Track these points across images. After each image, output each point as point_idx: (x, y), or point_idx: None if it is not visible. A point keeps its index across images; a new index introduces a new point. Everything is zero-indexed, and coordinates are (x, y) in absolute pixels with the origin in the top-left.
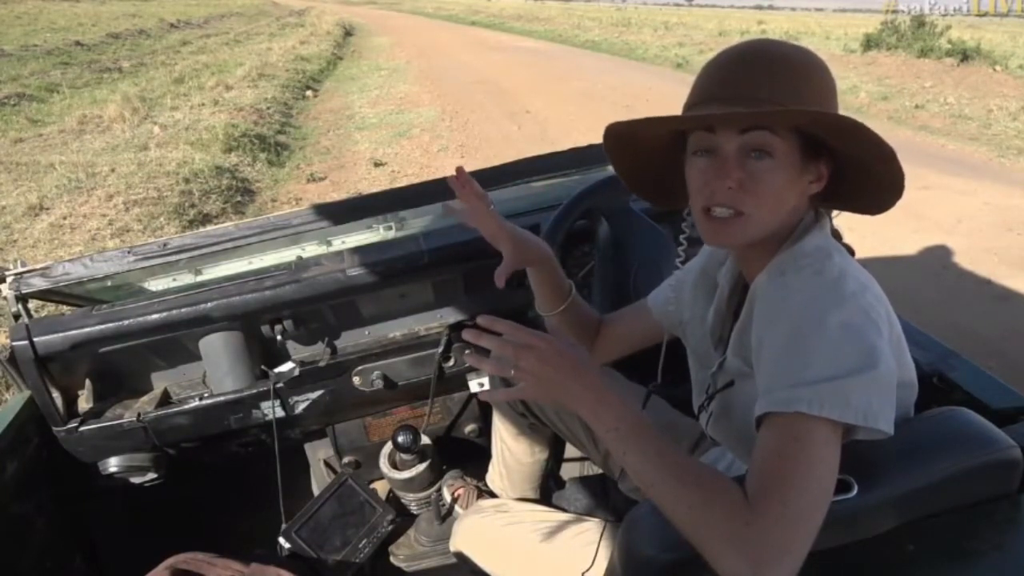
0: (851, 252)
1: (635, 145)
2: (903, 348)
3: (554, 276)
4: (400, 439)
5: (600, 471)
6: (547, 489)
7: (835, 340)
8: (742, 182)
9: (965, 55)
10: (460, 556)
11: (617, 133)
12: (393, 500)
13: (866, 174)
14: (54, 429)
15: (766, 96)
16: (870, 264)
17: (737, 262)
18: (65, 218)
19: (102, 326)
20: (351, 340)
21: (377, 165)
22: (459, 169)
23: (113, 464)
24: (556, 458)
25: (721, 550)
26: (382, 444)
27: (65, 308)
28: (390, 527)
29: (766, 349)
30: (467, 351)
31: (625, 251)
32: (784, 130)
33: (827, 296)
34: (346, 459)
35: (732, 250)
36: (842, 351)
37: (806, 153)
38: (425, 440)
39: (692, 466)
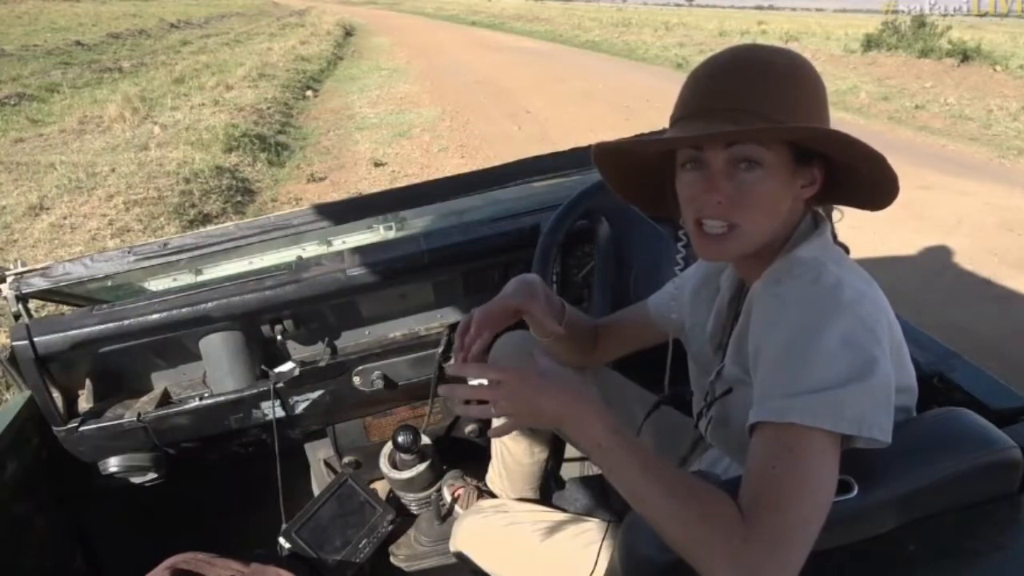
0: (846, 250)
1: (625, 159)
2: (903, 353)
3: (549, 308)
4: (400, 439)
5: (600, 471)
6: (547, 489)
7: (831, 350)
8: (731, 196)
9: (965, 55)
10: (460, 556)
11: (605, 150)
12: (393, 500)
13: (859, 177)
14: (54, 429)
15: (752, 108)
16: (871, 264)
17: (735, 268)
18: (65, 218)
19: (102, 326)
20: (351, 340)
21: (377, 165)
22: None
23: (113, 464)
24: (556, 458)
25: (716, 567)
26: (382, 444)
27: (65, 308)
28: (390, 527)
29: (762, 358)
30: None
31: (625, 251)
32: (773, 141)
33: (824, 305)
34: (346, 459)
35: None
36: (838, 361)
37: (798, 159)
38: (425, 440)
39: (684, 481)
